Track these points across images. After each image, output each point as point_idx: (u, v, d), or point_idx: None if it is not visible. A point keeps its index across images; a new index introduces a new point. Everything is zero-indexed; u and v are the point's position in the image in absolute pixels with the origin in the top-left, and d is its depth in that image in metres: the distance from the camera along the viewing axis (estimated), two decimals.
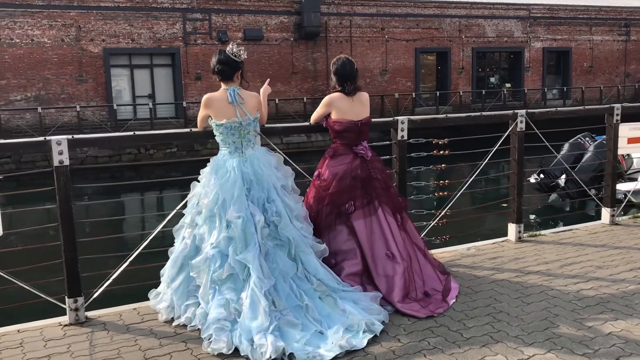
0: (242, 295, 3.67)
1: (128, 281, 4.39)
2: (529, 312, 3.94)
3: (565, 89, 32.03)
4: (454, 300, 4.16)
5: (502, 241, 5.65)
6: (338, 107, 4.33)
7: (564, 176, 12.70)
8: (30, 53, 22.30)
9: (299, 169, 4.67)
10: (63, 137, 3.77)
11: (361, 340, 3.51)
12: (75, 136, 3.86)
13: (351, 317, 3.70)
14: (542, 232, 5.95)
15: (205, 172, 4.06)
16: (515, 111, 5.41)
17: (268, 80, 4.64)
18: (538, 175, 13.36)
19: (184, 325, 3.80)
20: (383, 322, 3.76)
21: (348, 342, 3.46)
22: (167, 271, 4.03)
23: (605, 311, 3.93)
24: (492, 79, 32.07)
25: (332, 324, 3.65)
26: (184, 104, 23.36)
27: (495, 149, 5.39)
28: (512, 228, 5.66)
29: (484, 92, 29.10)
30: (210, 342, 3.48)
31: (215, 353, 3.42)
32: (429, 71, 30.85)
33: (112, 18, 23.45)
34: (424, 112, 27.78)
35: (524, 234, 5.72)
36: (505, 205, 5.76)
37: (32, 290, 3.93)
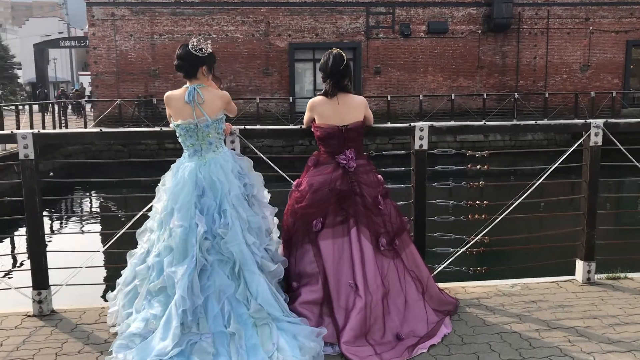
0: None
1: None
2: None
3: None
4: (424, 351, 3.40)
5: (565, 281, 4.53)
6: (319, 111, 3.82)
7: None
8: (224, 47, 24.10)
9: (285, 176, 4.23)
10: (28, 131, 3.83)
11: None
12: (41, 131, 3.90)
13: (275, 354, 3.21)
14: (631, 274, 4.66)
15: (166, 176, 3.84)
16: (588, 121, 4.28)
17: None
18: None
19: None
20: None
21: None
22: (124, 274, 3.90)
23: None
24: None
25: (250, 358, 3.21)
26: None
27: (553, 167, 4.33)
28: (579, 266, 4.52)
29: None
30: (112, 358, 3.26)
31: None
32: None
33: (298, 14, 24.36)
34: (630, 114, 24.39)
35: (598, 275, 4.55)
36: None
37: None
